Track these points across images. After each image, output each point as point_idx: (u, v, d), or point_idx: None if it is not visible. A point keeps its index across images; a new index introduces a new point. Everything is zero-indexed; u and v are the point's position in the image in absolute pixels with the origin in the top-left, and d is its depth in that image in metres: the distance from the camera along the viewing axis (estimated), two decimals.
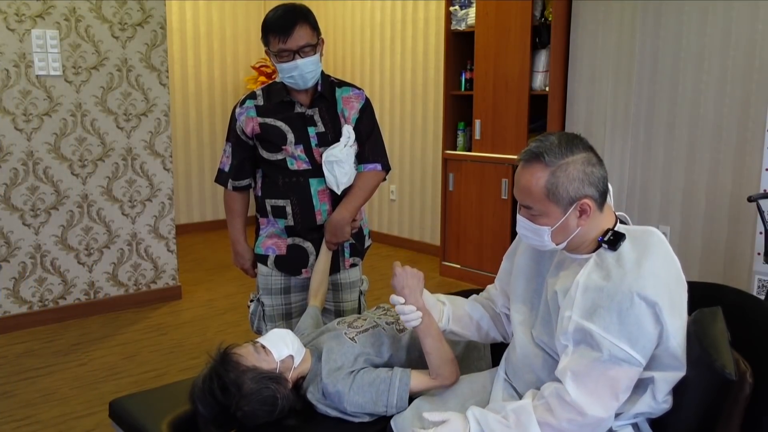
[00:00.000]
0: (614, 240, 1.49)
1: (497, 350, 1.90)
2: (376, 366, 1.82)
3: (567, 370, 1.46)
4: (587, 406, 1.43)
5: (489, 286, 1.91)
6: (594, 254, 1.52)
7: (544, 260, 1.67)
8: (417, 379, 1.74)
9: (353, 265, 2.42)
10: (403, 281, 1.72)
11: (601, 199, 1.51)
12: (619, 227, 1.53)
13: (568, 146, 1.47)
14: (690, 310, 1.54)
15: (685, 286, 1.52)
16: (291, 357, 1.80)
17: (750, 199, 3.02)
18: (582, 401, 1.43)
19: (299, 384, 1.82)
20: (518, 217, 1.56)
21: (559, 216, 1.48)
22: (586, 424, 1.44)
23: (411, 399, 1.74)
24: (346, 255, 2.40)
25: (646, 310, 1.40)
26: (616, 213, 1.58)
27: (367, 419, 1.75)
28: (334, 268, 2.36)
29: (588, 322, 1.42)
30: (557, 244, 1.53)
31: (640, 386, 1.49)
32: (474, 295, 1.92)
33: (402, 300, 1.71)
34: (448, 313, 1.80)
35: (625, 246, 1.48)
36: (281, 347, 1.80)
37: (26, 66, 3.69)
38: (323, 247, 2.31)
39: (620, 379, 1.42)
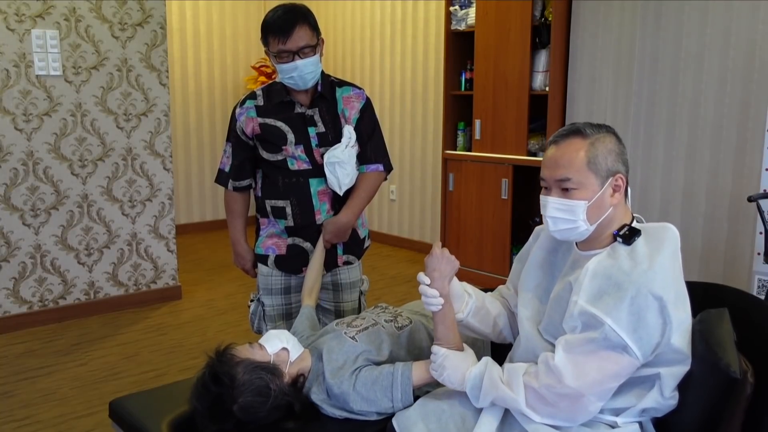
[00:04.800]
0: (629, 235, 1.50)
1: (499, 357, 1.89)
2: (378, 364, 1.82)
3: (563, 339, 1.49)
4: (567, 375, 1.44)
5: (500, 287, 1.90)
6: (608, 247, 1.53)
7: (559, 257, 1.67)
8: (419, 371, 1.74)
9: (347, 263, 2.41)
10: (436, 264, 1.68)
11: (627, 182, 1.55)
12: (635, 225, 1.54)
13: (599, 127, 1.55)
14: (692, 311, 1.54)
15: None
16: (286, 350, 1.81)
17: (750, 199, 3.02)
18: (563, 368, 1.44)
19: (300, 382, 1.82)
20: (549, 199, 1.54)
21: (597, 189, 1.50)
22: (562, 394, 1.45)
23: (416, 397, 1.74)
24: (339, 252, 2.39)
25: (652, 304, 1.41)
26: (633, 214, 1.59)
27: (374, 417, 1.75)
28: (329, 265, 2.37)
29: (592, 306, 1.44)
30: (591, 224, 1.52)
31: (647, 382, 1.49)
32: (492, 293, 1.90)
33: (428, 281, 1.68)
34: (472, 306, 1.78)
35: (639, 242, 1.49)
36: (275, 341, 1.82)
37: (26, 66, 3.69)
38: (318, 246, 2.30)
39: (610, 363, 1.43)
